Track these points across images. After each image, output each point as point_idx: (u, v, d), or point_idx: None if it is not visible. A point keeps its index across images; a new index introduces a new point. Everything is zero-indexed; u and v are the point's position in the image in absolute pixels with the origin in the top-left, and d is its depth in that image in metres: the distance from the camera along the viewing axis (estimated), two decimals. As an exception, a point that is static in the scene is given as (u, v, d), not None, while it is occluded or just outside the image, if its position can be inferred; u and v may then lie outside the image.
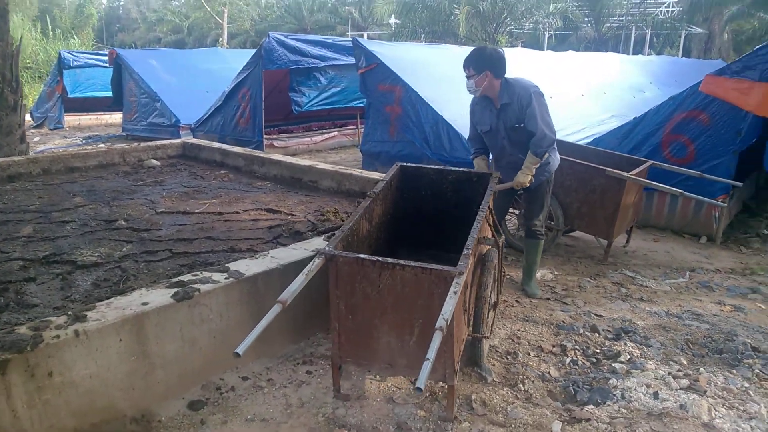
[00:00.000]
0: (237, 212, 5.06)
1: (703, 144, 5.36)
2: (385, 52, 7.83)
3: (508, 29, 25.13)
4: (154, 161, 6.85)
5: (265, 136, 9.49)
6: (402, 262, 2.52)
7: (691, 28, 29.85)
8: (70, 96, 13.55)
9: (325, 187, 5.82)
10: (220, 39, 30.54)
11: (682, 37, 31.38)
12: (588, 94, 10.90)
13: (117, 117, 14.02)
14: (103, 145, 6.87)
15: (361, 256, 2.56)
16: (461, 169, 3.56)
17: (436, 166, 3.63)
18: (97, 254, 4.01)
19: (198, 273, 3.00)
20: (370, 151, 7.95)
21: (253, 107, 9.39)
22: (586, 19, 28.64)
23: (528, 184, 3.90)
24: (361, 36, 29.29)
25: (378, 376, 3.09)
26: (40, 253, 3.99)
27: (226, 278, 2.96)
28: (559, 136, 4.09)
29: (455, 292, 2.32)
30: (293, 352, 3.32)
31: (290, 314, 3.25)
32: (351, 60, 10.12)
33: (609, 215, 4.71)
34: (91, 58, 14.04)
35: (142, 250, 4.11)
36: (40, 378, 2.31)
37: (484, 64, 3.71)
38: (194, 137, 10.98)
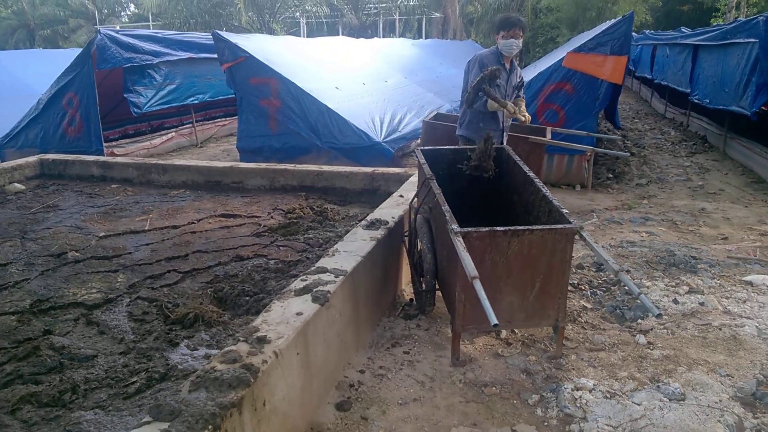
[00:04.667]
0: (192, 223, 4.69)
1: (570, 109, 6.52)
2: (249, 44, 7.61)
3: (281, 18, 25.38)
4: (18, 185, 5.76)
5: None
6: (530, 227, 2.86)
7: (432, 13, 33.95)
8: None
9: (255, 185, 5.62)
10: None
11: (423, 21, 35.44)
12: (410, 76, 11.88)
13: None
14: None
15: (495, 228, 2.83)
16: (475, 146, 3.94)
17: (454, 147, 3.95)
18: (94, 290, 3.48)
19: (305, 277, 2.91)
20: (249, 147, 7.70)
21: (85, 113, 8.26)
22: (347, 7, 30.36)
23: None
24: (114, 28, 26.66)
25: (466, 340, 3.37)
26: (20, 303, 3.31)
27: (336, 277, 2.93)
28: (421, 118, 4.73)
29: (595, 241, 2.76)
30: (375, 339, 3.40)
31: (365, 304, 3.34)
32: (183, 54, 9.55)
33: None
34: None
35: (141, 276, 3.67)
36: (259, 410, 2.14)
37: (526, 28, 4.44)
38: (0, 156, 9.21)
